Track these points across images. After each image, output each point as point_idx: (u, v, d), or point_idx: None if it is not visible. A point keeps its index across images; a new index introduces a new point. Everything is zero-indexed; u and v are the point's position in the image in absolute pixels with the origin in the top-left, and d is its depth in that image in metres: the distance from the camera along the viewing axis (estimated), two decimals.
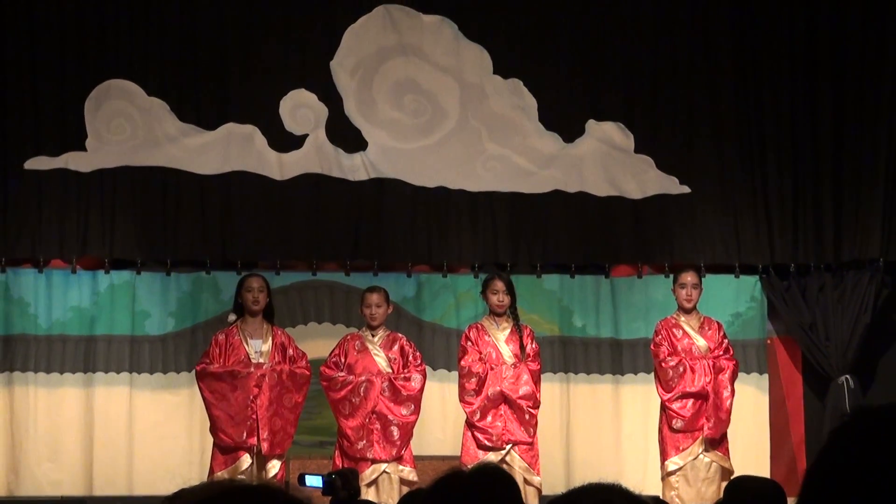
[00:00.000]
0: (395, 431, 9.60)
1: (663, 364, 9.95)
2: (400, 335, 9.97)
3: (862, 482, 1.44)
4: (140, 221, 10.89)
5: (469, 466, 4.76)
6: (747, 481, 5.31)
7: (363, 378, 9.69)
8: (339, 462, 9.48)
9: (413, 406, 9.71)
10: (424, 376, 9.83)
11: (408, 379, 9.73)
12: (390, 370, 9.74)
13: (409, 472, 9.59)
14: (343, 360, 9.79)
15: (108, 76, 10.92)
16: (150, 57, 10.97)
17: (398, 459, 9.60)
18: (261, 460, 9.45)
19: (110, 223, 10.83)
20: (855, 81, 11.24)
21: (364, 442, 9.57)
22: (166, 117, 10.98)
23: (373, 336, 9.82)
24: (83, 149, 10.87)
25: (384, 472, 9.56)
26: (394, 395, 9.67)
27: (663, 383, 9.95)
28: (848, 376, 10.97)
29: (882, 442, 1.47)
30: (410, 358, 9.82)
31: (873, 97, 11.18)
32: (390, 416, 9.61)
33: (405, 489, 9.13)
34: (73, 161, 10.84)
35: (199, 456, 10.74)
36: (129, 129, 10.95)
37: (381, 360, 9.75)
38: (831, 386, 11.02)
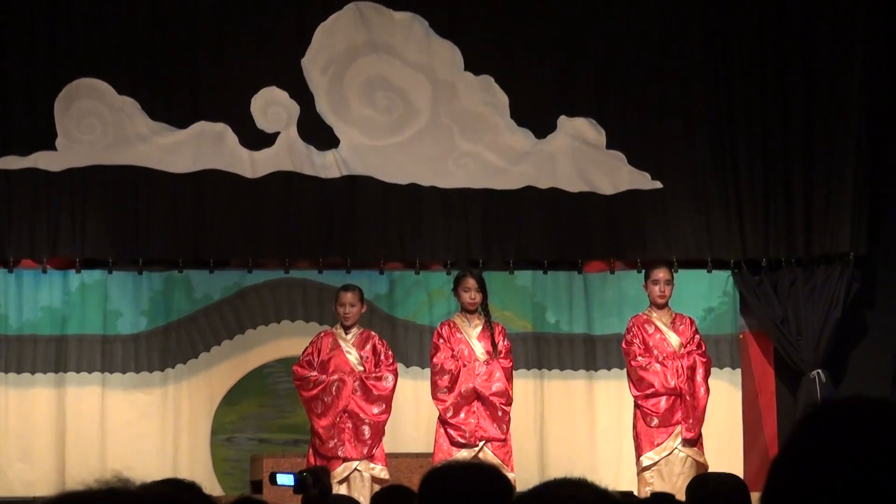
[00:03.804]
0: (367, 430, 9.59)
1: (633, 363, 9.97)
2: (373, 333, 9.95)
3: (826, 473, 1.44)
4: (111, 220, 10.85)
5: (457, 460, 4.74)
6: (709, 479, 5.31)
7: (335, 377, 9.68)
8: (312, 460, 9.47)
9: (384, 405, 9.70)
10: (396, 376, 9.83)
11: (379, 378, 9.72)
12: (362, 368, 9.73)
13: (380, 471, 9.59)
14: (316, 358, 9.78)
15: (78, 75, 10.88)
16: (121, 55, 10.94)
17: (369, 458, 9.59)
18: None
19: (81, 222, 10.78)
20: (825, 78, 11.29)
21: (335, 441, 9.56)
22: (137, 116, 10.94)
23: (346, 334, 9.81)
24: (53, 148, 10.82)
25: (356, 469, 9.56)
26: (365, 394, 9.67)
27: (635, 382, 9.97)
28: (819, 370, 11.01)
29: (846, 433, 1.47)
30: (382, 357, 9.81)
31: (843, 94, 11.22)
32: (362, 415, 9.60)
33: (377, 487, 9.12)
34: (43, 160, 10.80)
35: (171, 455, 10.72)
36: (99, 127, 10.90)
37: (353, 358, 9.75)
38: (803, 380, 11.06)
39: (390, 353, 9.90)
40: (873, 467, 1.43)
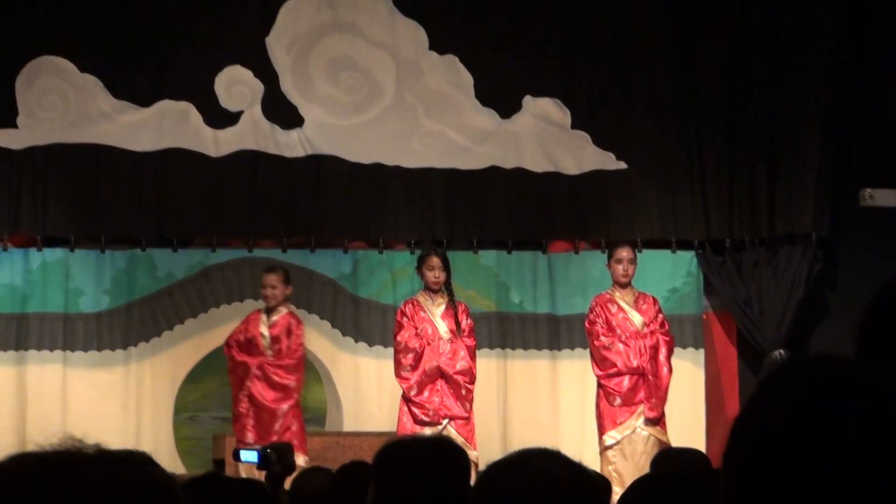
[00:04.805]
0: (266, 416, 9.71)
1: (597, 342, 10.00)
2: (294, 319, 10.02)
3: (789, 431, 1.44)
4: (73, 199, 10.79)
5: (412, 434, 4.74)
6: (674, 452, 5.35)
7: (242, 360, 9.89)
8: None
9: (283, 394, 9.81)
10: (300, 368, 9.90)
11: (280, 366, 9.81)
12: (271, 353, 9.82)
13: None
14: (244, 336, 9.91)
15: (39, 53, 10.80)
16: (84, 33, 10.86)
17: None
18: None
19: (42, 200, 10.72)
20: (789, 61, 11.33)
21: (240, 423, 9.78)
22: (100, 94, 10.87)
23: (265, 315, 9.92)
24: (15, 126, 10.75)
25: None
26: (267, 380, 9.79)
27: (598, 361, 10.00)
28: (782, 350, 11.05)
29: (810, 391, 1.47)
30: (292, 344, 9.85)
31: (807, 76, 11.27)
32: (261, 401, 9.74)
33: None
34: (4, 138, 10.72)
35: (134, 433, 10.68)
36: (61, 105, 10.83)
37: (265, 341, 9.89)
38: (765, 360, 11.11)
39: (302, 341, 9.96)
40: (837, 426, 1.43)
